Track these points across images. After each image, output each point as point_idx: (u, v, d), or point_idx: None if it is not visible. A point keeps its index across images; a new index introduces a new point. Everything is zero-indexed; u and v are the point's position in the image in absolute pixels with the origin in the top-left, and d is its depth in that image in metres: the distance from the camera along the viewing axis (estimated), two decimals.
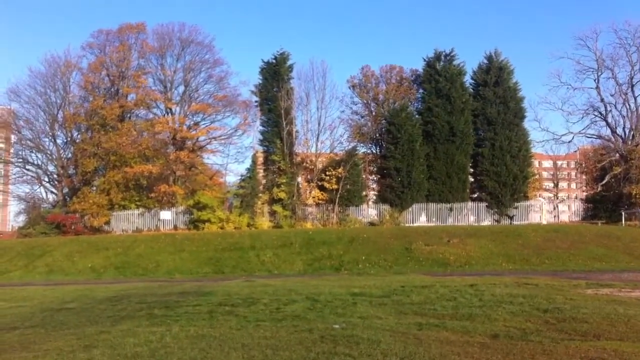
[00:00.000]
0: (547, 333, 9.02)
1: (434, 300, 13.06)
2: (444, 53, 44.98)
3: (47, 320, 11.86)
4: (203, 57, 47.92)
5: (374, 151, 48.49)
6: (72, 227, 40.65)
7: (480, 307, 11.87)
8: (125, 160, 43.03)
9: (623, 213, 38.36)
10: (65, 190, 47.17)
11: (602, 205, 43.04)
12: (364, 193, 44.94)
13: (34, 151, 48.40)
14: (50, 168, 49.21)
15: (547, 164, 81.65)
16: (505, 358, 7.15)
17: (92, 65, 47.30)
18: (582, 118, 49.21)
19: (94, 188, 44.90)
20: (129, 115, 48.05)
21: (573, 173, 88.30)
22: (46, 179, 49.64)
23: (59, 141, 48.45)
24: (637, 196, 40.81)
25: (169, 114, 47.27)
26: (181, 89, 47.95)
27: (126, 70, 47.26)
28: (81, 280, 26.45)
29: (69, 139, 48.08)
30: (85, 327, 10.66)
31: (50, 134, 48.06)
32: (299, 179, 44.29)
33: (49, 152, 48.53)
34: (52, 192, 49.91)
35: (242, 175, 44.55)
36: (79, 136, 47.56)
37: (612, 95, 46.95)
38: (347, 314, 11.34)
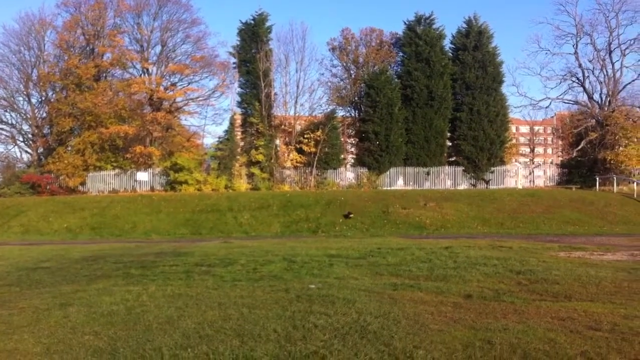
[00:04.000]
0: (519, 294, 9.17)
1: (409, 262, 13.19)
2: (424, 17, 44.64)
3: (22, 279, 11.81)
4: (180, 17, 47.05)
5: (353, 114, 48.34)
6: (47, 188, 40.22)
7: (454, 268, 12.03)
8: (100, 121, 42.40)
9: (597, 178, 38.79)
10: (40, 150, 46.52)
11: (577, 171, 43.51)
12: (342, 156, 44.89)
13: (7, 110, 47.50)
14: (25, 127, 48.53)
15: (524, 129, 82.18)
16: (478, 317, 7.27)
17: (67, 23, 46.21)
18: (560, 84, 49.45)
19: (69, 148, 44.30)
20: (104, 75, 47.16)
21: (549, 138, 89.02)
22: (20, 139, 48.97)
23: (33, 100, 47.58)
24: (612, 162, 41.28)
25: (146, 74, 46.51)
26: (158, 48, 47.16)
27: (102, 29, 46.22)
28: (57, 240, 26.30)
29: (43, 98, 47.21)
30: (61, 285, 10.65)
31: (25, 92, 47.14)
32: (277, 142, 44.08)
33: (23, 111, 47.74)
34: (26, 151, 49.31)
35: (219, 137, 44.34)
36: (53, 95, 46.69)
37: (590, 61, 47.13)
38: (324, 275, 11.44)
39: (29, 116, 47.40)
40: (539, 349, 5.64)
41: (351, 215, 22.25)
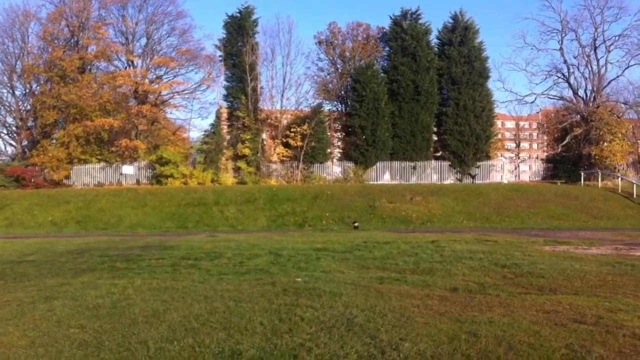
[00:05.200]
0: (504, 287, 9.23)
1: (395, 256, 13.24)
2: (410, 11, 44.69)
3: (6, 272, 11.72)
4: (166, 9, 46.76)
5: (339, 109, 48.34)
6: (32, 181, 39.93)
7: (440, 262, 12.08)
8: (85, 113, 42.11)
9: (582, 173, 39.07)
10: (25, 142, 46.20)
11: (562, 166, 43.82)
12: (328, 150, 44.93)
13: None
14: (9, 120, 48.19)
15: (510, 124, 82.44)
16: (464, 310, 7.31)
17: (51, 15, 45.79)
18: (545, 79, 49.81)
19: (54, 141, 43.98)
20: (89, 67, 46.78)
21: (535, 134, 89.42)
22: (4, 131, 48.68)
23: (17, 92, 47.23)
24: (596, 157, 41.59)
25: (131, 67, 46.26)
26: (143, 41, 46.88)
27: (86, 21, 45.81)
28: (42, 233, 26.13)
29: (27, 90, 46.82)
30: (46, 279, 10.58)
31: (9, 85, 46.73)
32: (264, 136, 44.05)
33: (7, 103, 47.41)
34: (10, 144, 49.02)
35: (206, 131, 44.20)
36: (38, 88, 46.29)
37: (575, 57, 47.43)
38: (310, 269, 11.45)
39: (13, 108, 47.06)
40: (524, 342, 5.68)
41: (356, 224, 22.99)
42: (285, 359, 5.19)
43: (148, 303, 7.93)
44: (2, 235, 24.93)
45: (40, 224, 28.90)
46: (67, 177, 41.92)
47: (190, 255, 13.88)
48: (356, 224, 24.81)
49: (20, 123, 46.29)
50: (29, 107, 46.81)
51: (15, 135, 47.41)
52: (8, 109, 47.43)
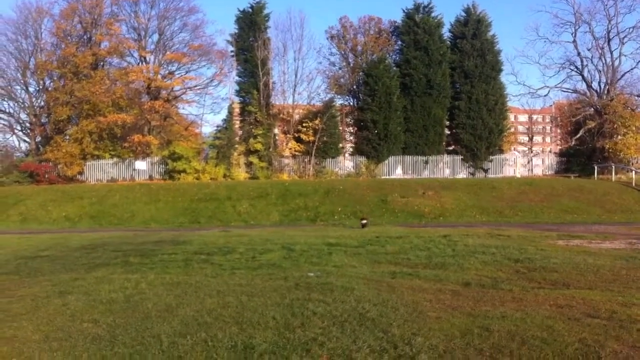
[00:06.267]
0: (517, 282, 9.20)
1: (407, 250, 13.22)
2: (422, 5, 44.47)
3: (21, 267, 11.81)
4: (178, 5, 46.87)
5: (351, 103, 48.28)
6: (46, 176, 40.21)
7: (453, 256, 12.06)
8: (98, 109, 42.36)
9: (596, 167, 38.83)
10: (38, 139, 46.47)
11: (576, 159, 43.59)
12: (340, 145, 44.91)
13: (5, 99, 47.41)
14: (23, 116, 48.40)
15: (523, 117, 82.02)
16: (476, 305, 7.29)
17: (64, 11, 46.02)
18: (559, 72, 49.45)
19: (67, 137, 44.24)
20: (102, 63, 46.99)
21: (548, 127, 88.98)
22: (18, 128, 48.91)
23: (31, 89, 47.48)
24: (610, 150, 41.32)
25: (143, 63, 46.45)
26: (155, 37, 47.04)
27: (99, 18, 46.01)
28: (55, 229, 26.30)
29: (41, 86, 47.11)
30: (59, 274, 10.65)
31: (22, 81, 47.04)
32: (276, 131, 44.06)
33: (20, 100, 47.63)
34: (24, 140, 49.30)
35: (218, 126, 44.31)
36: (51, 84, 46.58)
37: (588, 50, 47.08)
38: (322, 263, 11.45)
39: (26, 105, 47.31)
40: (537, 336, 5.66)
41: (364, 222, 21.67)
42: (298, 353, 5.20)
43: (161, 297, 7.97)
44: (16, 231, 25.14)
45: (54, 220, 29.09)
46: (81, 172, 42.21)
47: (203, 250, 13.93)
48: (364, 222, 22.04)
49: (33, 119, 46.59)
50: (42, 103, 47.13)
51: (29, 131, 47.71)
52: (22, 106, 47.72)
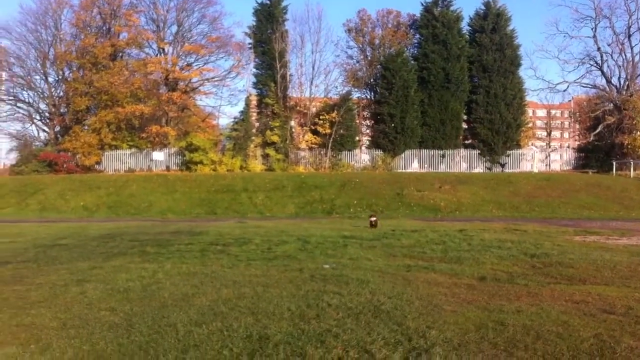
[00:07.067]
0: (533, 277, 9.15)
1: (423, 244, 13.21)
2: None
3: (39, 255, 11.93)
4: None
5: (368, 96, 48.20)
6: (64, 166, 40.57)
7: (468, 251, 12.03)
8: (117, 100, 42.63)
9: (614, 163, 38.54)
10: (57, 128, 46.87)
11: (594, 155, 43.26)
12: (357, 138, 44.89)
13: (25, 89, 47.89)
14: (42, 106, 48.87)
15: (541, 113, 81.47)
16: (491, 299, 7.28)
17: (84, 2, 46.25)
18: (578, 67, 49.11)
19: (86, 127, 44.54)
20: (120, 54, 47.28)
21: (566, 122, 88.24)
22: (37, 117, 49.36)
23: (50, 79, 47.94)
24: (629, 146, 40.97)
25: (162, 54, 46.63)
26: (174, 28, 47.22)
27: (118, 9, 46.31)
28: (74, 218, 26.55)
29: (60, 77, 47.49)
30: (77, 262, 10.75)
31: (42, 71, 47.45)
32: (292, 123, 44.13)
33: (40, 90, 48.05)
34: (43, 130, 49.67)
35: (235, 118, 44.41)
36: (70, 74, 46.92)
37: (608, 45, 46.74)
38: (338, 255, 11.47)
39: (45, 95, 47.74)
40: (552, 331, 5.64)
41: (373, 219, 18.99)
42: (313, 344, 5.22)
43: (177, 287, 8.03)
44: (35, 219, 25.40)
45: (72, 209, 29.34)
46: (98, 162, 42.54)
47: (219, 241, 14.00)
48: (373, 219, 18.53)
49: (53, 109, 46.97)
50: (61, 93, 47.50)
51: (48, 121, 48.14)
52: (41, 96, 48.12)
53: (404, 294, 7.45)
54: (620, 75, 45.97)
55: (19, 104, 48.40)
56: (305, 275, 8.95)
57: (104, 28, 46.99)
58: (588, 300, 7.18)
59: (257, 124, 43.52)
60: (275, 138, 40.84)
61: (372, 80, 46.72)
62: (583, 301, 7.15)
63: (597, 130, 44.53)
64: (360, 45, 48.11)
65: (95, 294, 7.63)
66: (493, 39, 42.83)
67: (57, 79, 47.90)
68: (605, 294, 7.64)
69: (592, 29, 46.79)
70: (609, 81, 46.48)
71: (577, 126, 60.45)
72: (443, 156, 42.36)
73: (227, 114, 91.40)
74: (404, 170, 40.61)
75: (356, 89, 47.31)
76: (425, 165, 42.20)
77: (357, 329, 5.69)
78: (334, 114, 40.93)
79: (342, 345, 5.19)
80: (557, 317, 6.20)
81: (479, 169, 42.25)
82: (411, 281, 8.53)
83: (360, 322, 5.96)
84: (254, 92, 44.69)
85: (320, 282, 8.30)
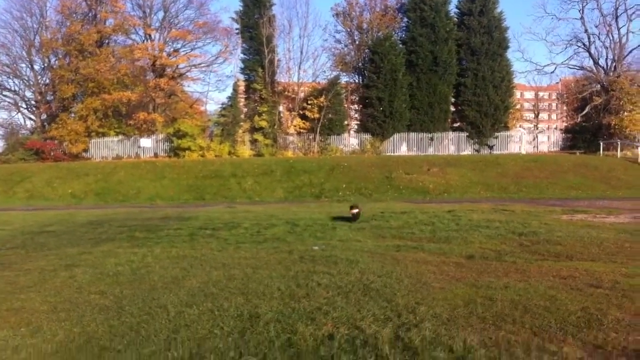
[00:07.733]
0: (521, 254, 9.24)
1: (412, 225, 13.27)
2: None
3: (27, 242, 11.92)
4: None
5: (357, 80, 48.02)
6: (51, 154, 40.34)
7: (457, 231, 12.10)
8: (103, 87, 42.34)
9: (601, 143, 38.71)
10: (44, 116, 46.57)
11: (581, 136, 43.43)
12: (345, 122, 44.82)
13: (10, 77, 47.61)
14: (28, 94, 48.59)
15: (529, 95, 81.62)
16: (480, 276, 7.34)
17: None
18: (566, 49, 49.21)
19: (72, 115, 44.29)
20: (107, 41, 46.91)
21: (554, 104, 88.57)
22: (24, 105, 49.11)
23: (36, 67, 47.62)
24: (616, 127, 41.17)
25: (148, 40, 46.33)
26: (160, 14, 46.86)
27: None
28: (61, 205, 26.41)
29: (46, 64, 47.15)
30: (66, 248, 10.75)
31: (27, 59, 47.11)
32: (281, 108, 44.04)
33: (26, 77, 47.77)
34: (30, 118, 49.44)
35: (223, 104, 44.21)
36: (56, 62, 46.50)
37: (596, 26, 46.90)
38: (327, 237, 11.53)
39: (31, 83, 47.41)
40: (540, 305, 5.70)
41: (355, 211, 15.33)
42: (303, 322, 5.26)
43: (167, 270, 8.06)
44: (22, 207, 25.27)
45: (60, 196, 29.20)
46: (86, 150, 42.26)
47: (209, 225, 14.01)
48: (355, 211, 14.80)
49: (39, 97, 46.65)
50: (47, 81, 47.15)
51: (34, 109, 47.83)
52: (27, 83, 47.82)
53: (393, 273, 7.50)
54: (607, 56, 46.14)
55: (4, 92, 48.21)
56: (295, 257, 9.00)
57: (90, 15, 46.49)
58: (575, 276, 7.26)
59: (245, 110, 43.33)
60: (263, 123, 40.72)
61: (360, 64, 46.56)
62: (570, 276, 7.23)
63: (585, 112, 44.69)
64: (348, 29, 47.88)
65: (85, 278, 7.65)
66: (481, 21, 42.75)
67: (43, 66, 47.61)
68: (592, 269, 7.73)
69: (579, 11, 46.78)
70: (596, 62, 46.61)
71: (565, 107, 60.65)
72: (431, 139, 42.39)
73: (214, 100, 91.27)
74: (392, 154, 40.63)
75: (344, 73, 47.15)
76: (414, 149, 42.22)
77: (347, 307, 5.73)
78: (322, 99, 40.83)
79: (333, 322, 5.23)
80: (544, 292, 6.27)
81: (467, 151, 42.33)
82: (400, 260, 8.59)
83: (350, 300, 6.00)
84: (241, 77, 44.52)
85: (309, 263, 8.35)
